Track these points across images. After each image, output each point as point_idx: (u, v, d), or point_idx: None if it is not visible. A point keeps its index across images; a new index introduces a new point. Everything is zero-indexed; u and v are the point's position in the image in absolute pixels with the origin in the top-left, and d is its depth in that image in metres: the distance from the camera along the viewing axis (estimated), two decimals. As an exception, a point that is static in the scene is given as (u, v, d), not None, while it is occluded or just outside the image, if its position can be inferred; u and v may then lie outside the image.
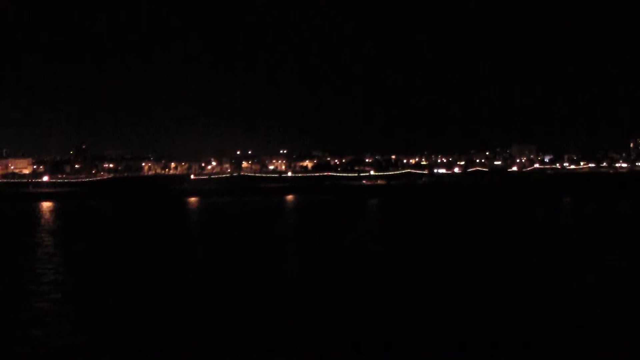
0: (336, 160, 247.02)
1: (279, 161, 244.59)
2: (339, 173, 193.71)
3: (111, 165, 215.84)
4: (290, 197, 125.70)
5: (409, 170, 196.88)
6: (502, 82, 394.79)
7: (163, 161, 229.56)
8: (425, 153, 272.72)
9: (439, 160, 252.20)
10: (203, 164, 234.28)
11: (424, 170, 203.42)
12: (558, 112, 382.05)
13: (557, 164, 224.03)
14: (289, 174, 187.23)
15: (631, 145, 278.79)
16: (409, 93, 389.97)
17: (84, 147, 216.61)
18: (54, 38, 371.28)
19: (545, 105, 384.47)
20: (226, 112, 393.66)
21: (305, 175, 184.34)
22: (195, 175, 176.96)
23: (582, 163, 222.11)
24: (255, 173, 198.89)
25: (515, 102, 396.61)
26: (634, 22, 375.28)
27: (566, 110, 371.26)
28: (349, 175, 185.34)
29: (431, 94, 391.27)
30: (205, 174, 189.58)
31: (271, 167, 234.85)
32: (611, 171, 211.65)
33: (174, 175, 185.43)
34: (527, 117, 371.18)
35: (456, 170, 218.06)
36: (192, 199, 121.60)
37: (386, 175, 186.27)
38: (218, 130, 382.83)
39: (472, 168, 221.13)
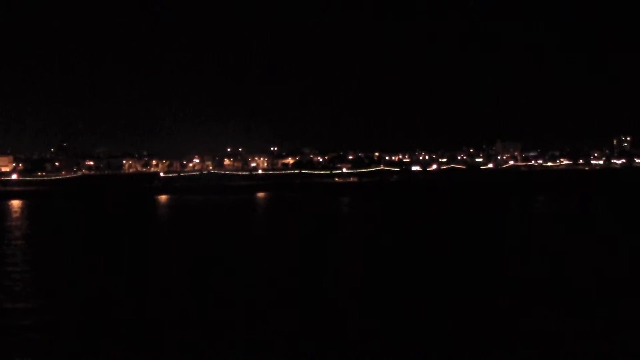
0: (319, 158, 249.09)
1: (261, 158, 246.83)
2: (319, 170, 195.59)
3: (91, 163, 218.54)
4: (254, 195, 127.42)
5: (382, 168, 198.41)
6: (493, 81, 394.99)
7: (145, 158, 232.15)
8: (417, 150, 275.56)
9: (420, 158, 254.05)
10: (185, 162, 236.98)
11: (398, 167, 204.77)
12: (547, 110, 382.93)
13: (534, 161, 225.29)
14: (260, 171, 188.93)
15: (614, 142, 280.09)
16: (403, 92, 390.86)
17: (65, 144, 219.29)
18: (45, 40, 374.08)
19: (536, 103, 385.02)
20: (222, 109, 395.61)
21: (277, 172, 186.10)
22: (164, 173, 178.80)
23: (558, 161, 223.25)
24: (236, 170, 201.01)
25: (506, 101, 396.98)
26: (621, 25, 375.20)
27: (556, 108, 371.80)
28: (322, 172, 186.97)
29: (424, 92, 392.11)
30: (187, 171, 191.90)
31: (253, 165, 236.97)
32: (587, 168, 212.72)
33: (147, 173, 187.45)
34: (517, 115, 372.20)
35: (434, 167, 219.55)
36: (153, 197, 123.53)
37: (359, 172, 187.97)
38: (214, 128, 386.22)
39: (452, 165, 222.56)
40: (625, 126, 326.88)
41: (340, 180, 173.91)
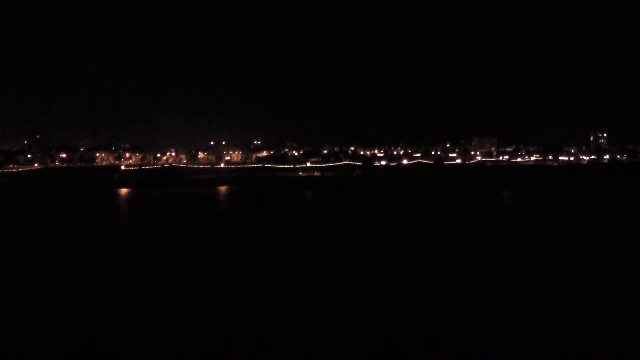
0: (294, 152, 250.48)
1: (236, 152, 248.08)
2: (289, 164, 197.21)
3: (64, 156, 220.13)
4: (207, 189, 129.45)
5: (346, 162, 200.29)
6: (479, 76, 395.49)
7: (120, 151, 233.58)
8: (399, 144, 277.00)
9: (395, 152, 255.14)
10: (159, 155, 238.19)
11: (362, 162, 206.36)
12: (528, 106, 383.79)
13: (502, 157, 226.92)
14: (222, 165, 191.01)
15: (591, 138, 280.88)
16: (390, 87, 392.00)
17: (38, 137, 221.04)
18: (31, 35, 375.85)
19: (517, 98, 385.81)
20: (209, 101, 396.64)
21: (240, 166, 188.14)
22: (137, 165, 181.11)
23: (527, 157, 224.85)
24: (209, 164, 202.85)
25: (487, 96, 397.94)
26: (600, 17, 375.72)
27: (536, 103, 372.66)
28: (286, 166, 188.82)
29: (411, 87, 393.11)
30: (160, 164, 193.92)
31: (227, 158, 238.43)
32: (555, 164, 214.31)
33: (110, 166, 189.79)
34: (497, 111, 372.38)
35: (404, 161, 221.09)
36: (107, 191, 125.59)
37: (323, 166, 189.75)
38: (201, 122, 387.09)
39: (420, 160, 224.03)
40: (605, 122, 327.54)
41: (304, 175, 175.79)
